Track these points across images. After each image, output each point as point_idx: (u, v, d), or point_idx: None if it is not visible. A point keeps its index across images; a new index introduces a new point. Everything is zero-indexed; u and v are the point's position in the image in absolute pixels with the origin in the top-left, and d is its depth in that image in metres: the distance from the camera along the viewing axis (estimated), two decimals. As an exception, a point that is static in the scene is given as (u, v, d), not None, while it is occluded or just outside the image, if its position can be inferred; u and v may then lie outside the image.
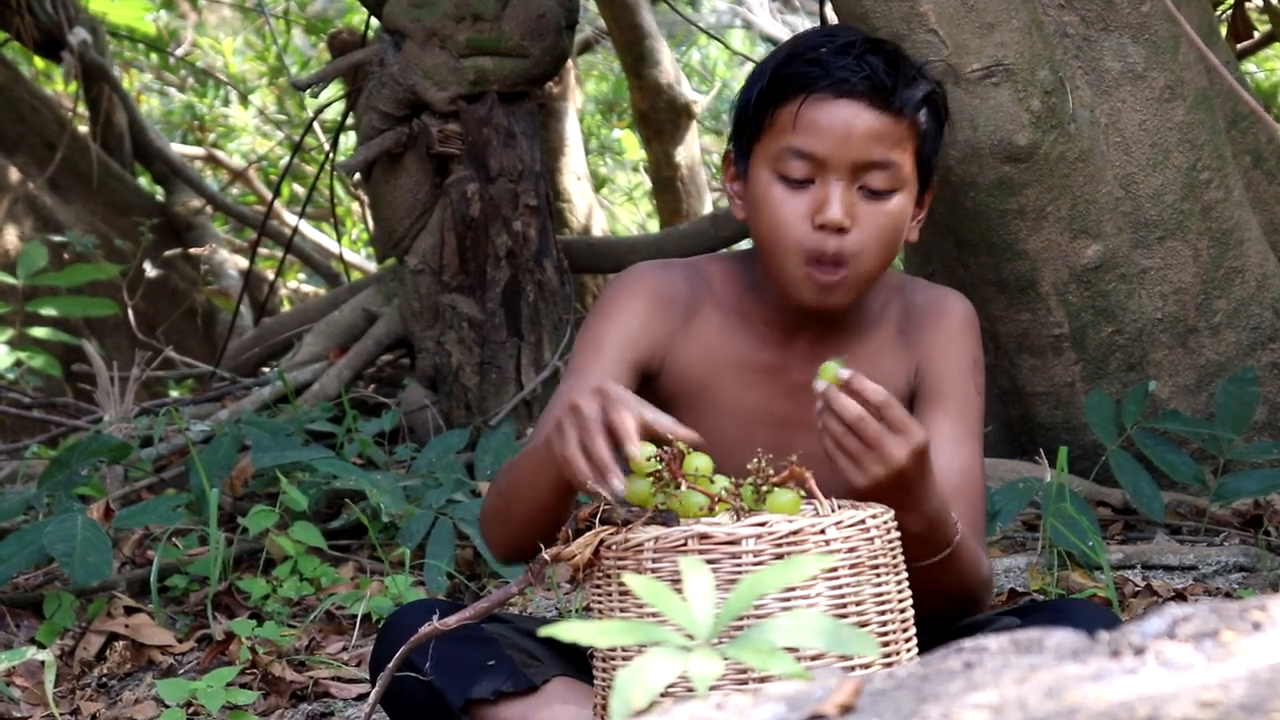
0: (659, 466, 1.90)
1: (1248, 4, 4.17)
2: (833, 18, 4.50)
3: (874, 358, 2.23)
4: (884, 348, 2.24)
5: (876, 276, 2.17)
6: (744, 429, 2.20)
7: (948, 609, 2.16)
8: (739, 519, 1.90)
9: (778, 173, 2.13)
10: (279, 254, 6.48)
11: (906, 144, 2.13)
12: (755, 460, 1.93)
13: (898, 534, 1.94)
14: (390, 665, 1.98)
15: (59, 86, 7.20)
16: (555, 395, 2.23)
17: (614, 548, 1.90)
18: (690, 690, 1.70)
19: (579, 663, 2.19)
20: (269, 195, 6.54)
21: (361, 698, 2.89)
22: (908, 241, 2.20)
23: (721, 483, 1.93)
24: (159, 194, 6.66)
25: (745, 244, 4.52)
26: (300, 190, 7.53)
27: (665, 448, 1.91)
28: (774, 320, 2.23)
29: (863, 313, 2.24)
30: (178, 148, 7.15)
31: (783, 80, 2.14)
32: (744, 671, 1.80)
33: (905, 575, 1.95)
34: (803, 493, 1.94)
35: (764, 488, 1.92)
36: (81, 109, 6.42)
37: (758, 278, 2.24)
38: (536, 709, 2.14)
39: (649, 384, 2.22)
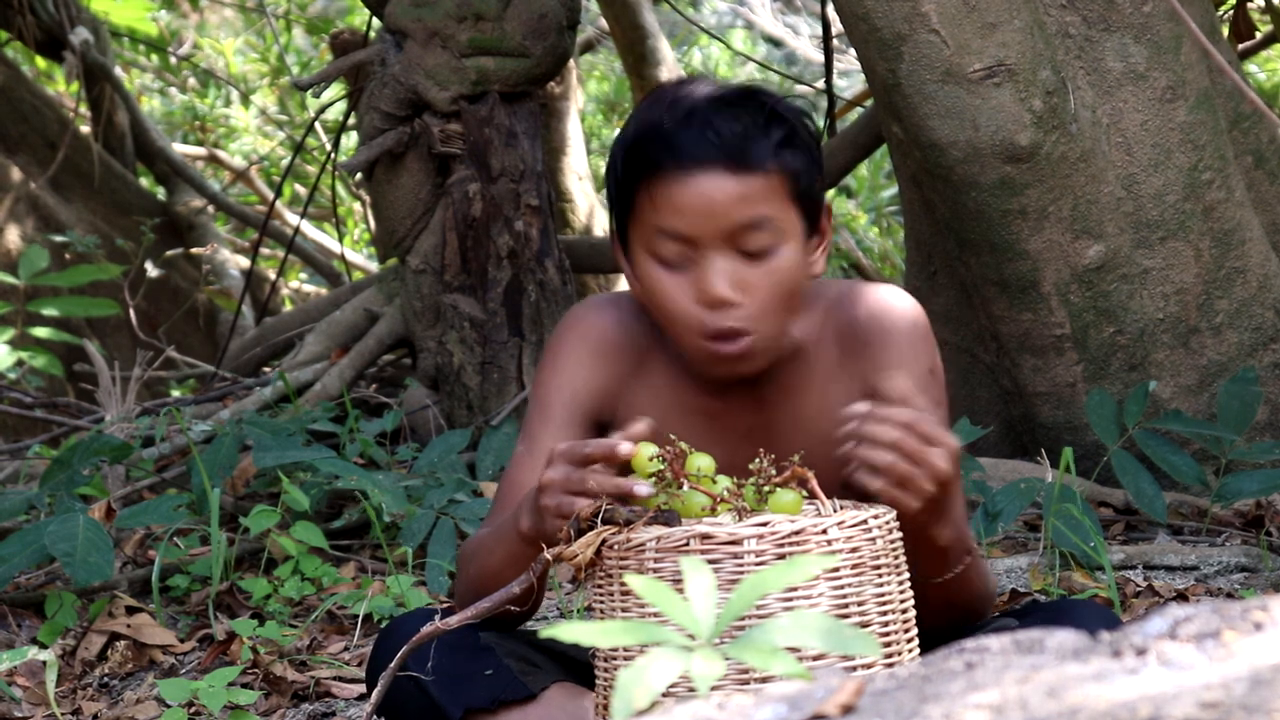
0: (661, 466, 1.90)
1: (1249, 4, 4.17)
2: (834, 18, 4.50)
3: (821, 389, 2.15)
4: (830, 375, 2.15)
5: (784, 331, 2.09)
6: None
7: (954, 620, 2.14)
8: (741, 519, 1.90)
9: (653, 254, 2.06)
10: (280, 254, 6.48)
11: (777, 194, 2.04)
12: (757, 461, 1.92)
13: (900, 534, 1.94)
14: (392, 665, 1.98)
15: (60, 86, 7.20)
16: (512, 460, 2.20)
17: (616, 548, 1.90)
18: (692, 690, 1.70)
19: (578, 667, 2.18)
20: (270, 195, 6.55)
21: (362, 698, 2.89)
22: (815, 274, 2.11)
23: (724, 483, 1.92)
24: (160, 194, 6.66)
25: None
26: (302, 190, 7.53)
27: (667, 448, 1.92)
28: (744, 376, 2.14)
29: (799, 341, 2.15)
30: (179, 148, 7.16)
31: (634, 162, 2.06)
32: (746, 671, 1.80)
33: (907, 575, 1.95)
34: (804, 493, 1.93)
35: (766, 488, 1.92)
36: (83, 109, 6.42)
37: None
38: (535, 716, 2.13)
39: (605, 432, 2.15)
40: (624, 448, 1.90)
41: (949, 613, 2.11)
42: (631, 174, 2.06)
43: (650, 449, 1.92)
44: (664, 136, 2.04)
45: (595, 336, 2.18)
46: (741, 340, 2.05)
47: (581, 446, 1.93)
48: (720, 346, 2.05)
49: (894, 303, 2.17)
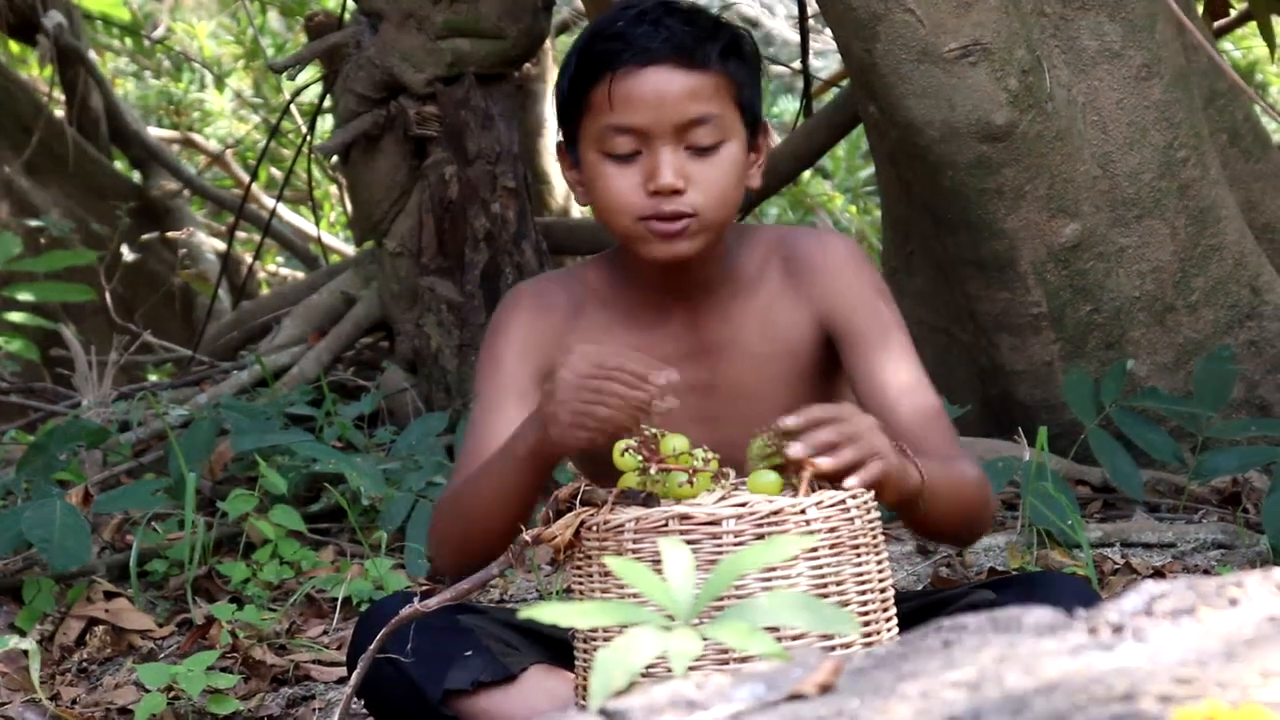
0: (638, 462, 1.91)
1: (1224, -18, 4.18)
2: (811, 1, 4.49)
3: (764, 315, 2.22)
4: (774, 303, 2.23)
5: (722, 226, 2.18)
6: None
7: (958, 526, 2.16)
8: (721, 483, 1.91)
9: (604, 152, 2.15)
10: (257, 237, 6.47)
11: (722, 94, 2.15)
12: (758, 442, 1.93)
13: (878, 514, 1.94)
14: (371, 647, 1.98)
15: (34, 70, 7.17)
16: (471, 423, 2.24)
17: (594, 529, 1.90)
18: (670, 670, 1.70)
19: (558, 649, 2.19)
20: (246, 179, 6.53)
21: (342, 681, 2.89)
22: (752, 187, 2.21)
23: (700, 455, 1.93)
24: (136, 178, 6.64)
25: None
26: (278, 173, 7.51)
27: (640, 436, 1.92)
28: (648, 299, 2.23)
29: (737, 271, 2.24)
30: (154, 131, 7.13)
31: (589, 61, 2.17)
32: (725, 651, 1.81)
33: (886, 555, 1.95)
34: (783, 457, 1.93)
35: (771, 453, 1.92)
36: (57, 93, 6.39)
37: (625, 266, 2.24)
38: (515, 698, 2.14)
39: None
40: (661, 378, 1.94)
41: (953, 523, 2.14)
42: (586, 74, 2.17)
43: (622, 442, 1.92)
44: (619, 35, 2.15)
45: (529, 301, 2.27)
46: (682, 220, 2.13)
47: (604, 353, 1.97)
48: (661, 225, 2.13)
49: (830, 236, 2.32)
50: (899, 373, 2.19)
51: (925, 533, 2.18)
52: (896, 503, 2.00)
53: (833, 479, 1.92)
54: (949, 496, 2.09)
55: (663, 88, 2.13)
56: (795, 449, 1.91)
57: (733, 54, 2.17)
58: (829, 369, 2.23)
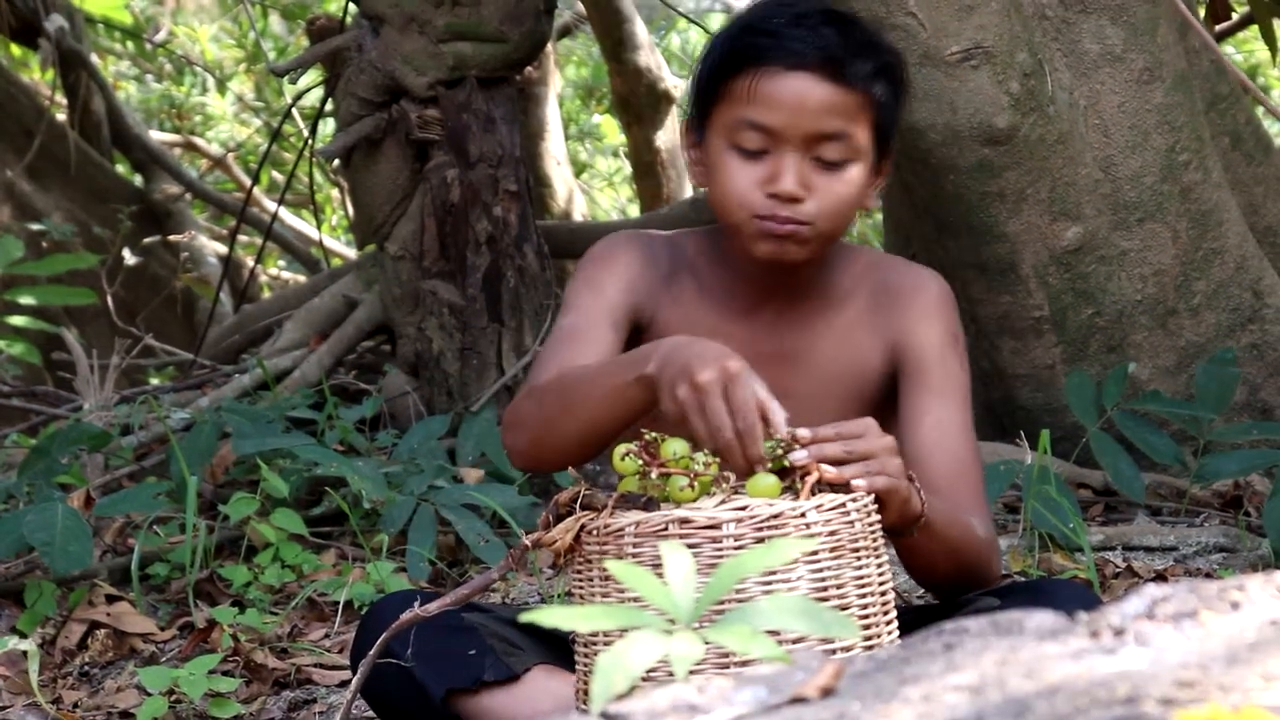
0: (639, 466, 1.90)
1: (1226, -15, 4.18)
2: None
3: (844, 333, 2.24)
4: (856, 324, 2.25)
5: (831, 241, 2.18)
6: None
7: (950, 575, 2.16)
8: (724, 485, 1.91)
9: (733, 143, 2.15)
10: (259, 241, 6.47)
11: (861, 115, 2.14)
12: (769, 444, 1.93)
13: (878, 517, 1.94)
14: (371, 652, 1.98)
15: (36, 74, 7.18)
16: (557, 329, 2.23)
17: (595, 533, 1.90)
18: (671, 674, 1.70)
19: (561, 650, 2.19)
20: (248, 182, 6.53)
21: (344, 685, 2.89)
22: (867, 209, 2.21)
23: (701, 459, 1.92)
24: (138, 181, 6.64)
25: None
26: (279, 177, 7.51)
27: (640, 440, 1.92)
28: (741, 291, 2.24)
29: (830, 287, 2.25)
30: (156, 135, 7.13)
31: (737, 52, 2.16)
32: (725, 655, 1.80)
33: (885, 558, 1.95)
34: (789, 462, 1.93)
35: (779, 455, 1.92)
36: (59, 97, 6.39)
37: (726, 251, 2.25)
38: (518, 697, 2.14)
39: (637, 336, 2.23)
40: (803, 451, 1.90)
41: (944, 569, 2.14)
42: (732, 62, 2.15)
43: (622, 446, 1.92)
44: (774, 32, 2.14)
45: (637, 246, 2.27)
46: (793, 226, 2.13)
47: (770, 399, 1.91)
48: (773, 225, 2.13)
49: (928, 275, 2.31)
50: (945, 420, 2.20)
51: (916, 570, 2.16)
52: (895, 524, 2.00)
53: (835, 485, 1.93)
54: (946, 538, 2.09)
55: (803, 95, 2.12)
56: (799, 455, 1.91)
57: (882, 76, 2.16)
58: (891, 398, 2.25)
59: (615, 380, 2.03)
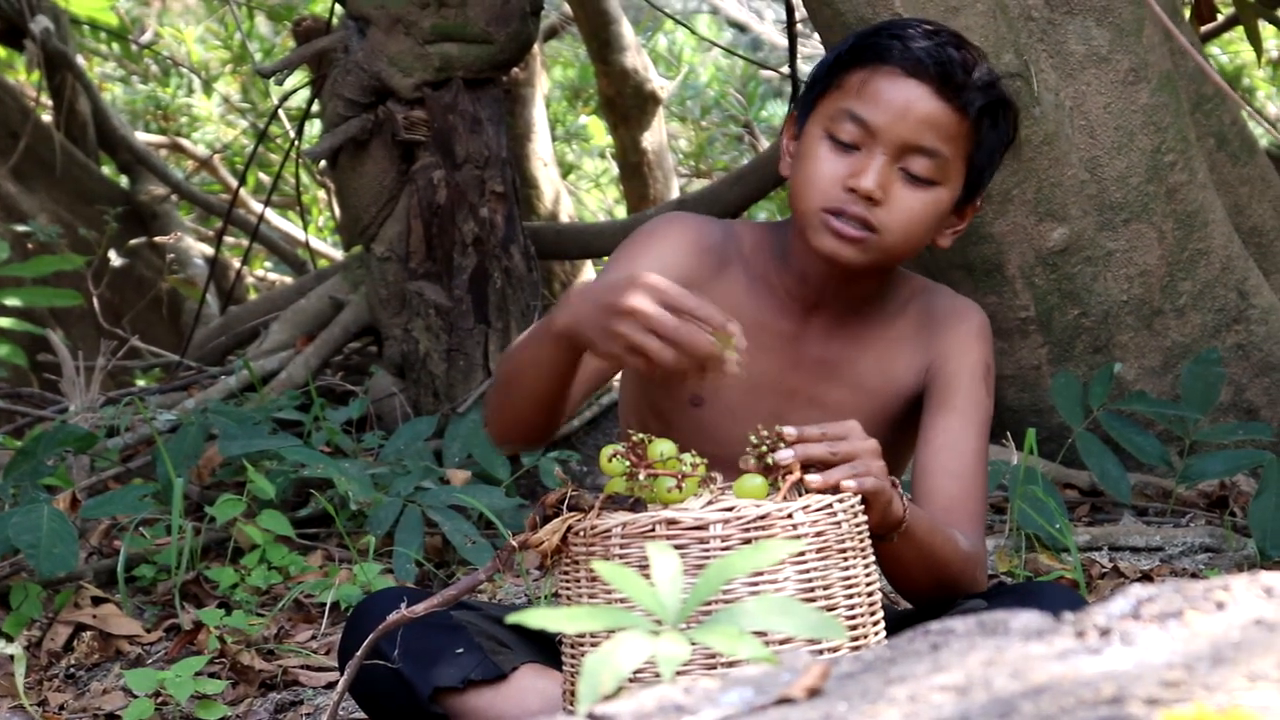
0: (626, 467, 1.91)
1: (1211, -14, 4.18)
2: (798, 2, 4.50)
3: (889, 349, 2.26)
4: (900, 342, 2.26)
5: (895, 257, 2.17)
6: (750, 394, 2.21)
7: (929, 586, 2.16)
8: (709, 486, 1.91)
9: (829, 132, 2.15)
10: (245, 242, 6.46)
11: (960, 142, 2.14)
12: (754, 434, 1.93)
13: (865, 518, 1.95)
14: (359, 653, 1.98)
15: (21, 75, 7.16)
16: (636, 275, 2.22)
17: (582, 534, 1.90)
18: (658, 675, 1.70)
19: (549, 649, 2.19)
20: (234, 183, 6.52)
21: (330, 686, 2.89)
22: (938, 245, 2.21)
23: (689, 460, 1.93)
24: (124, 183, 6.63)
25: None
26: (266, 178, 7.50)
27: (626, 442, 1.92)
28: (796, 291, 2.24)
29: (883, 303, 2.27)
30: (142, 136, 7.12)
31: (863, 48, 2.17)
32: (712, 656, 1.81)
33: (873, 559, 1.95)
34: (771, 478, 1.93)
35: (763, 453, 1.92)
36: (45, 98, 6.38)
37: (786, 248, 2.25)
38: (505, 696, 2.14)
39: None
40: (733, 326, 1.90)
41: (923, 578, 2.14)
42: (855, 57, 2.16)
43: (609, 448, 1.92)
44: (905, 38, 2.15)
45: (691, 231, 2.25)
46: (863, 230, 2.12)
47: (681, 293, 1.90)
48: (842, 225, 2.12)
49: (971, 306, 2.33)
50: (960, 441, 2.21)
51: (894, 578, 2.16)
52: (876, 526, 2.00)
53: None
54: (927, 546, 2.09)
55: (912, 102, 2.12)
56: (784, 454, 1.91)
57: (991, 114, 2.17)
58: (917, 418, 2.26)
59: (535, 350, 2.03)
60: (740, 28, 8.65)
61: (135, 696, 2.82)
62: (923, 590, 2.17)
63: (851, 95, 2.14)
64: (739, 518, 1.85)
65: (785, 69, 5.68)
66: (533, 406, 2.06)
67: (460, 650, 2.16)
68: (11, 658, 2.87)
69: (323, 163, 4.52)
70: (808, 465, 1.93)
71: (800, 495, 1.92)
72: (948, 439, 2.20)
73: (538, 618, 1.22)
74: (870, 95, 2.13)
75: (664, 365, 1.87)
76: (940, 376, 2.24)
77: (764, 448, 1.92)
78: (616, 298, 1.88)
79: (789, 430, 1.93)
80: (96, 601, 3.22)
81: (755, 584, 1.84)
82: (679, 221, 2.27)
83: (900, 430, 2.26)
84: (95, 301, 5.32)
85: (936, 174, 2.14)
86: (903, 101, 2.12)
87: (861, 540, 1.93)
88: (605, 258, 4.58)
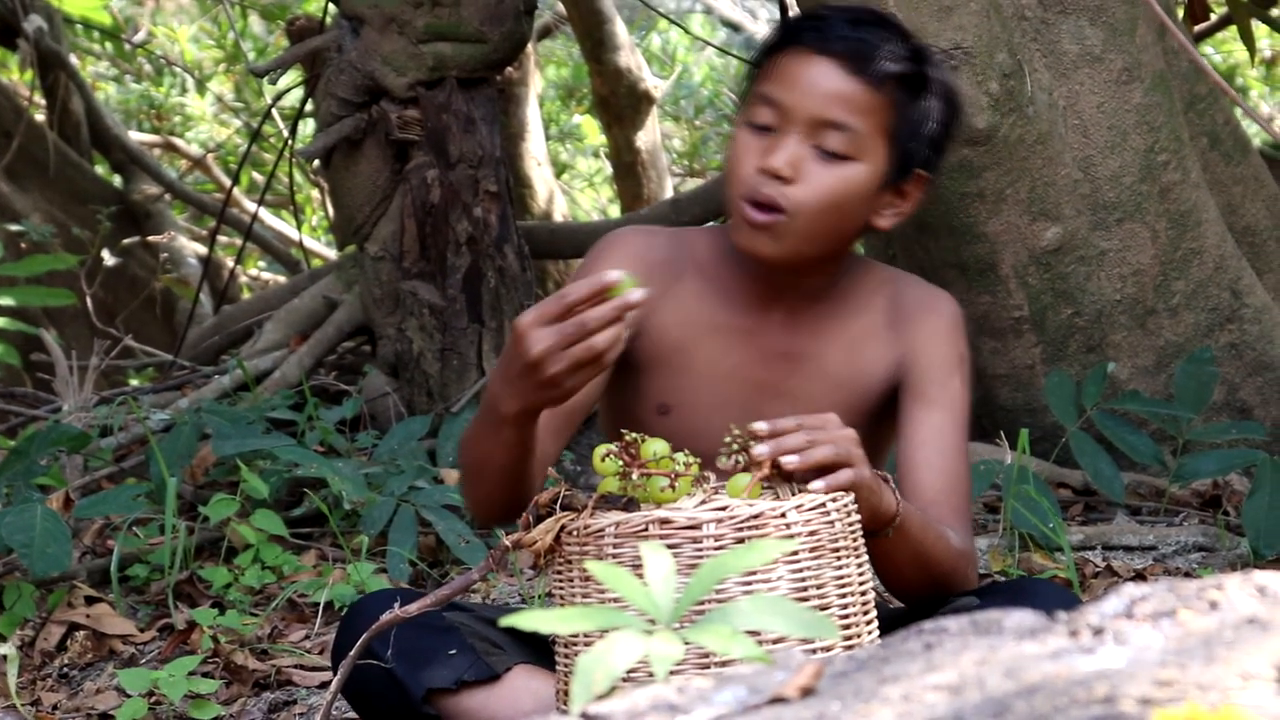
0: (619, 467, 1.90)
1: (1204, -14, 4.19)
2: (791, 2, 4.50)
3: (857, 341, 2.24)
4: (867, 334, 2.24)
5: (817, 240, 2.15)
6: (719, 392, 2.20)
7: (921, 583, 2.15)
8: (702, 486, 1.91)
9: (747, 119, 2.15)
10: (238, 241, 6.46)
11: (873, 115, 2.12)
12: (728, 436, 1.93)
13: (858, 517, 1.95)
14: (351, 653, 1.98)
15: (15, 75, 7.16)
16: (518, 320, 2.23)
17: (575, 534, 1.90)
18: (651, 674, 1.70)
19: (541, 650, 2.19)
20: (228, 183, 6.52)
21: (324, 686, 2.88)
22: (876, 227, 2.19)
23: (682, 460, 1.93)
24: (117, 182, 6.63)
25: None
26: (259, 178, 7.50)
27: (620, 441, 1.92)
28: (751, 287, 2.23)
29: (844, 295, 2.25)
30: (135, 135, 7.11)
31: (782, 32, 2.19)
32: (706, 655, 1.81)
33: (866, 558, 1.95)
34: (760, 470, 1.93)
35: (740, 457, 1.92)
36: (38, 97, 6.38)
37: (737, 247, 2.24)
38: (498, 697, 2.14)
39: (628, 345, 2.21)
40: (610, 275, 1.91)
41: (914, 575, 2.13)
42: (774, 43, 2.18)
43: (603, 447, 1.92)
44: (819, 19, 2.16)
45: (635, 251, 2.25)
46: (772, 214, 2.11)
47: (557, 299, 1.92)
48: (752, 212, 2.12)
49: (944, 296, 2.31)
50: (941, 435, 2.21)
51: (887, 576, 2.14)
52: (867, 522, 2.00)
53: (801, 481, 1.92)
54: (919, 543, 2.09)
55: (818, 80, 2.12)
56: (760, 449, 1.91)
57: (909, 87, 2.15)
58: (890, 411, 2.25)
59: (495, 436, 2.03)
60: (734, 27, 8.65)
61: (129, 696, 2.82)
62: (915, 588, 2.17)
63: (765, 79, 2.16)
64: (732, 517, 1.85)
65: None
66: (510, 483, 2.05)
67: (453, 651, 2.16)
68: (4, 657, 2.87)
69: (316, 162, 4.52)
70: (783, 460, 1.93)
71: (785, 488, 1.92)
72: (927, 434, 2.19)
73: (531, 620, 1.22)
74: (780, 76, 2.14)
75: (601, 355, 1.89)
76: (915, 370, 2.23)
77: (735, 446, 1.92)
78: (523, 359, 1.91)
79: (759, 425, 1.93)
80: (90, 601, 3.22)
81: (748, 583, 1.84)
82: (622, 242, 2.26)
83: (876, 423, 2.23)
84: (89, 301, 5.32)
85: (850, 148, 2.12)
86: (810, 78, 2.12)
87: (855, 539, 1.93)
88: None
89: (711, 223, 4.41)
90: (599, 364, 1.91)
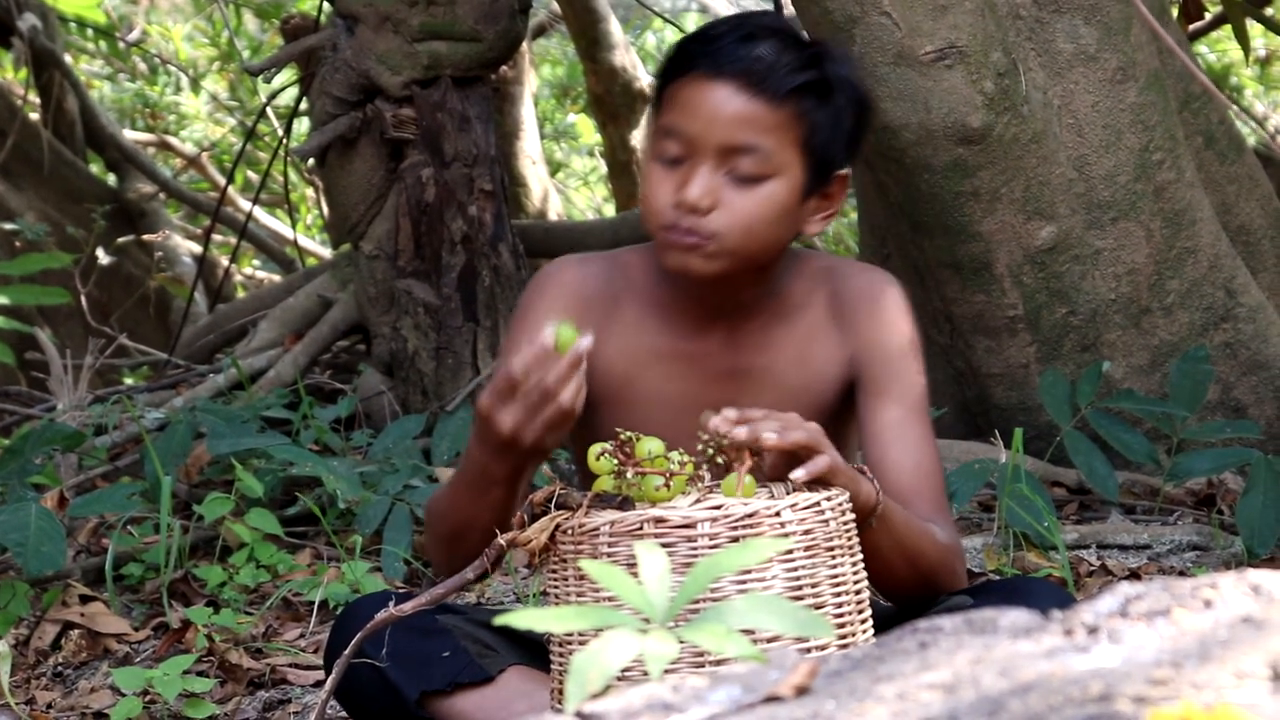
0: (614, 466, 1.90)
1: (1199, -15, 4.19)
2: (786, 1, 4.50)
3: (801, 345, 2.21)
4: (812, 335, 2.21)
5: (750, 257, 2.12)
6: (671, 418, 2.15)
7: (910, 580, 2.14)
8: (696, 485, 1.91)
9: (655, 152, 2.12)
10: (233, 240, 6.45)
11: (782, 132, 2.08)
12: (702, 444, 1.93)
13: (853, 516, 1.95)
14: (346, 652, 1.97)
15: (9, 73, 7.15)
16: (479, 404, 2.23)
17: (570, 532, 1.90)
18: (646, 674, 1.70)
19: (534, 651, 2.19)
20: (222, 181, 6.51)
21: (319, 685, 2.88)
22: (808, 233, 2.17)
23: (677, 458, 1.93)
24: (111, 181, 6.62)
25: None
26: (254, 176, 7.49)
27: (615, 440, 1.92)
28: (690, 309, 2.20)
29: (782, 298, 2.21)
30: (129, 134, 7.11)
31: (675, 59, 2.14)
32: (700, 654, 1.81)
33: (860, 557, 1.95)
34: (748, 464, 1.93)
35: (720, 459, 1.92)
36: (32, 96, 6.37)
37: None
38: (492, 699, 2.14)
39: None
40: (547, 335, 1.94)
41: (903, 572, 2.12)
42: (669, 70, 2.14)
43: (598, 446, 1.92)
44: (709, 40, 2.12)
45: (565, 289, 2.23)
46: (695, 236, 2.09)
47: (506, 377, 1.96)
48: (676, 236, 2.10)
49: (881, 279, 2.26)
50: (903, 432, 2.19)
51: (875, 575, 2.10)
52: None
53: (780, 474, 1.92)
54: (904, 537, 2.08)
55: (719, 106, 2.08)
56: (740, 431, 1.91)
57: (813, 94, 2.10)
58: (849, 407, 2.23)
59: (483, 496, 2.05)
60: (729, 26, 8.64)
61: (123, 695, 2.81)
62: (904, 584, 2.15)
63: (667, 110, 2.12)
64: (727, 516, 1.85)
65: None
66: (487, 539, 2.04)
67: (446, 654, 2.16)
68: (-1, 656, 2.86)
69: (311, 161, 4.52)
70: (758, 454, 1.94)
71: (779, 487, 1.92)
72: (892, 431, 2.17)
73: (525, 619, 1.22)
74: (680, 106, 2.10)
75: (571, 410, 1.95)
76: (868, 366, 2.20)
77: (710, 450, 1.92)
78: (498, 438, 1.97)
79: (728, 412, 1.93)
80: (84, 600, 3.21)
81: (743, 582, 1.84)
82: (558, 279, 2.24)
83: (836, 421, 2.20)
84: (83, 300, 5.32)
85: (765, 169, 2.09)
86: (710, 105, 2.08)
87: (849, 538, 1.93)
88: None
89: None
90: (571, 417, 1.95)
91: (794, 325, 2.21)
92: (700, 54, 2.11)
